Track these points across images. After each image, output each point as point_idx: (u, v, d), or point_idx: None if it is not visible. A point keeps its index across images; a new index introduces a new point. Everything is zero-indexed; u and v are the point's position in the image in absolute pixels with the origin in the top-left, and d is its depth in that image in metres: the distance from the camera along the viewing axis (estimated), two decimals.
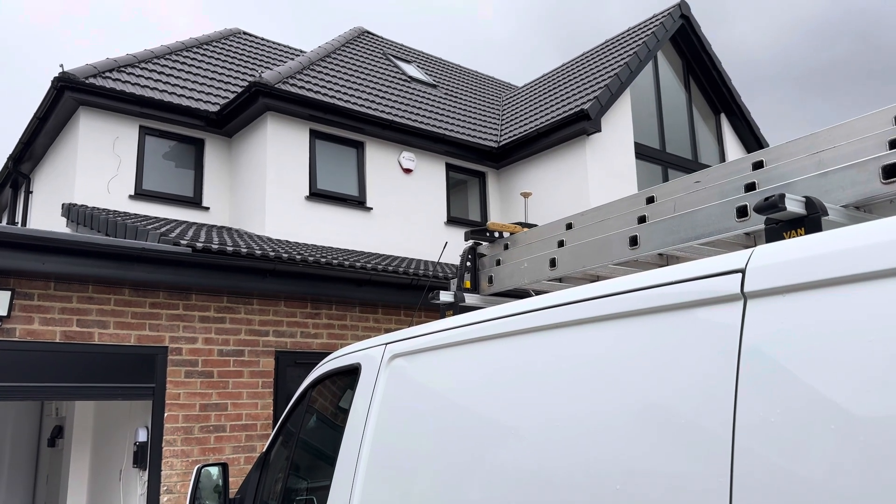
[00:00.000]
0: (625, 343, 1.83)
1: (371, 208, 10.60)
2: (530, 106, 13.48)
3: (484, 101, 14.95)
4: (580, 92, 12.03)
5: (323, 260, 7.48)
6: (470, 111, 13.67)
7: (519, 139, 11.90)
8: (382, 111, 11.09)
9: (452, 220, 11.64)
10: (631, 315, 1.82)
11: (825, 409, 1.35)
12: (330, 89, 10.84)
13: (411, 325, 3.16)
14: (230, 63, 12.13)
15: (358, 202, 10.60)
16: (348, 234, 10.20)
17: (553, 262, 3.05)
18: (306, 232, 9.70)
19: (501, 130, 13.18)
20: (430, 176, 11.53)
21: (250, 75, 11.78)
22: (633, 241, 2.67)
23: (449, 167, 11.97)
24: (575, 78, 13.21)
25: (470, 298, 3.44)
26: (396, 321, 8.15)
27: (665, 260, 2.83)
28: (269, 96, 9.70)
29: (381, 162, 10.95)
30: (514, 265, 3.33)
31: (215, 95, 10.71)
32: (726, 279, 1.63)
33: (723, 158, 13.33)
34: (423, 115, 11.96)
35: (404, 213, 10.93)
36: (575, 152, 11.16)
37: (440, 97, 13.66)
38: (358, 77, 12.23)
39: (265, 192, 9.59)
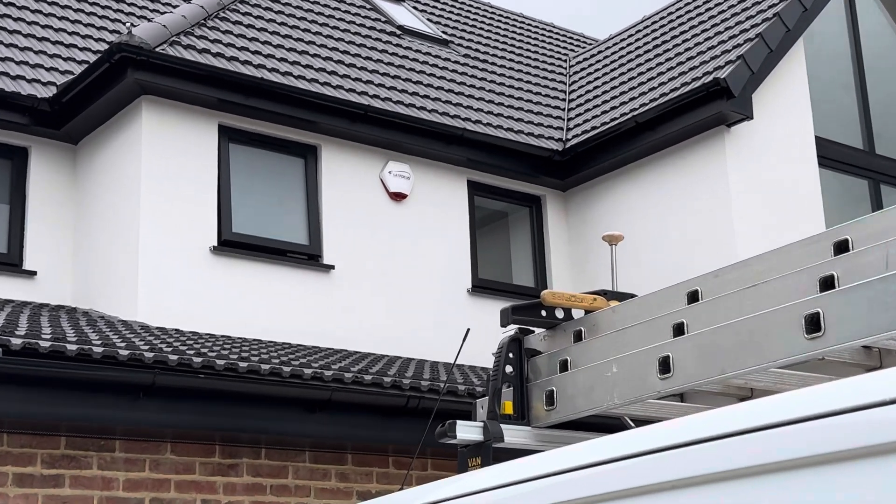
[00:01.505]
0: None
1: (331, 267, 10.60)
2: (618, 75, 13.58)
3: (536, 67, 15.10)
4: (707, 49, 12.12)
5: (243, 365, 7.39)
6: (510, 86, 13.80)
7: (601, 136, 11.88)
8: (352, 89, 11.20)
9: (482, 288, 11.56)
10: (818, 463, 1.88)
11: None
12: (256, 53, 10.98)
13: (405, 487, 3.14)
14: (77, 14, 12.34)
15: (307, 256, 10.57)
16: (290, 314, 10.17)
17: (666, 365, 3.07)
18: (213, 312, 9.69)
19: (569, 120, 13.23)
20: (440, 205, 11.55)
21: (113, 32, 11.99)
22: (814, 324, 2.68)
23: (474, 188, 11.96)
24: (696, 23, 13.34)
25: (513, 434, 3.46)
26: (380, 477, 8.03)
27: (874, 357, 2.84)
28: (146, 67, 9.80)
29: (350, 181, 10.99)
30: (593, 371, 3.34)
31: (49, 70, 10.86)
32: None
33: None
34: (427, 96, 12.07)
35: (392, 275, 10.91)
36: (704, 158, 11.14)
37: (456, 62, 13.82)
38: (307, 31, 12.40)
39: (137, 242, 9.60)
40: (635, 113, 11.66)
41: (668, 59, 12.81)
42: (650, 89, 12.18)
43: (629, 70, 13.50)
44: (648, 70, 12.93)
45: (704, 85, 10.96)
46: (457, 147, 11.61)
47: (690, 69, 11.84)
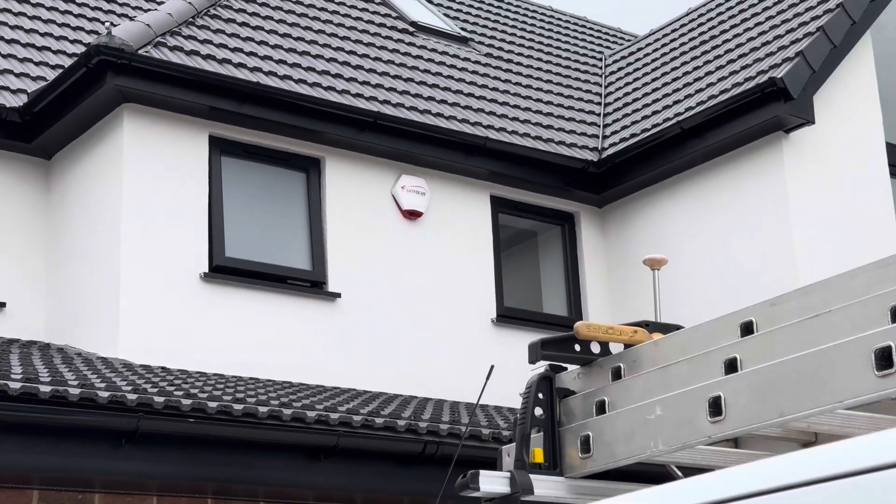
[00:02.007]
0: None
1: (337, 295, 10.62)
2: (661, 75, 13.58)
3: (567, 66, 15.10)
4: (761, 44, 12.09)
5: (238, 407, 7.39)
6: (538, 89, 13.82)
7: (641, 145, 11.91)
8: (359, 94, 11.22)
9: (508, 318, 11.56)
10: None
11: None
12: (251, 55, 11.02)
13: None
14: (51, 13, 12.35)
15: (310, 283, 10.61)
16: (291, 349, 10.19)
17: (717, 406, 3.03)
18: (204, 348, 9.70)
19: (605, 127, 13.22)
20: (460, 224, 11.57)
21: (91, 33, 12.02)
22: (885, 359, 2.63)
23: (498, 205, 11.99)
24: (748, 16, 13.31)
25: (544, 485, 3.45)
26: None
27: None
28: (128, 72, 9.84)
29: (358, 198, 11.02)
30: (634, 413, 3.33)
31: (19, 76, 10.89)
32: None
33: None
34: (444, 102, 12.10)
35: (405, 304, 10.93)
36: (759, 168, 11.13)
37: (477, 63, 13.84)
38: (308, 30, 12.44)
39: (118, 268, 9.62)
40: (680, 118, 11.67)
41: (716, 57, 12.81)
42: (697, 91, 12.18)
43: (672, 69, 13.52)
44: (695, 69, 12.94)
45: (759, 85, 10.95)
46: (478, 158, 11.62)
47: (742, 68, 11.84)
